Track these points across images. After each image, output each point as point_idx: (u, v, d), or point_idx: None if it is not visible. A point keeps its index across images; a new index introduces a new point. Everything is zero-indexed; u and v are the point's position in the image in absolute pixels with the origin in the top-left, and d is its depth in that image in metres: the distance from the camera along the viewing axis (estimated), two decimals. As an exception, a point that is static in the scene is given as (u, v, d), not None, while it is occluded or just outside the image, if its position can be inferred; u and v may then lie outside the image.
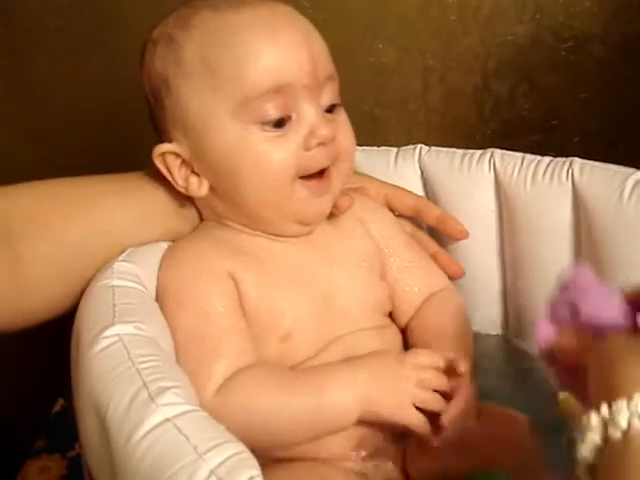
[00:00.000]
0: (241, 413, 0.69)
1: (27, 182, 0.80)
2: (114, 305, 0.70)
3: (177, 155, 0.78)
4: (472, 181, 0.96)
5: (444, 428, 0.72)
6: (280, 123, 0.75)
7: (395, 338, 0.84)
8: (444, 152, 0.99)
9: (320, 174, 0.78)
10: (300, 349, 0.77)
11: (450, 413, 0.72)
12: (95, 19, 1.31)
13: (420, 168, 1.00)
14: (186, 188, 0.79)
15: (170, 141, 0.79)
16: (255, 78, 0.74)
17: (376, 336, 0.80)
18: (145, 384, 0.60)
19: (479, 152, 0.97)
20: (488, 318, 1.01)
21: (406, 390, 0.72)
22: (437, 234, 0.98)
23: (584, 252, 0.91)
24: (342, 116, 0.80)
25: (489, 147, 0.98)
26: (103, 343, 0.65)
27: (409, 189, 0.97)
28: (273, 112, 0.74)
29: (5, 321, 0.75)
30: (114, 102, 1.31)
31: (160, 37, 0.79)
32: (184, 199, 0.82)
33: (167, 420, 0.56)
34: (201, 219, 0.84)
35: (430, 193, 1.00)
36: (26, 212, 0.77)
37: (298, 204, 0.78)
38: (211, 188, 0.79)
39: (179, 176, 0.79)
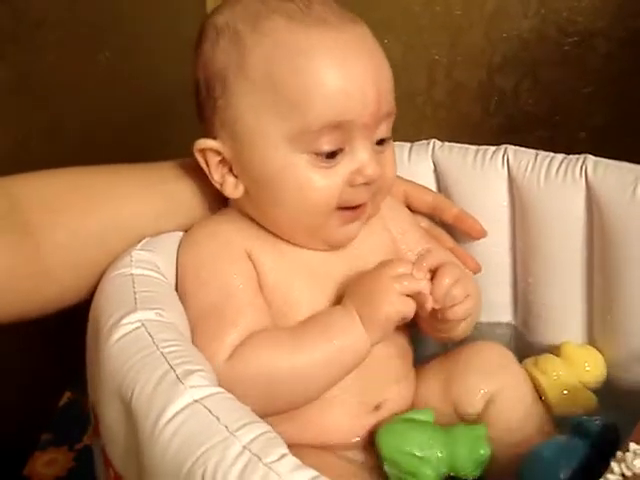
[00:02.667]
0: (256, 377, 0.70)
1: (46, 170, 0.80)
2: (135, 292, 0.71)
3: (218, 153, 0.78)
4: (485, 177, 0.96)
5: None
6: (332, 155, 0.74)
7: (407, 334, 0.85)
8: (457, 147, 0.98)
9: (356, 206, 0.78)
10: None
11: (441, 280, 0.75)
12: (100, 15, 1.31)
13: (433, 163, 0.99)
14: (221, 185, 0.79)
15: (214, 137, 0.78)
16: (319, 112, 0.72)
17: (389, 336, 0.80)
18: (172, 367, 0.60)
19: (493, 148, 0.96)
20: (497, 310, 1.01)
21: (388, 288, 0.73)
22: (452, 231, 0.97)
23: (596, 249, 0.91)
24: (389, 149, 0.79)
25: (494, 142, 0.98)
26: (125, 329, 0.66)
27: (422, 184, 0.97)
28: (328, 146, 0.73)
29: (21, 310, 0.75)
30: (121, 96, 1.31)
31: (226, 29, 0.76)
32: (206, 194, 0.82)
33: (196, 401, 0.57)
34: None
35: (443, 188, 0.99)
36: (45, 201, 0.77)
37: (329, 230, 0.78)
38: (246, 192, 0.79)
39: (216, 173, 0.78)
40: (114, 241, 0.79)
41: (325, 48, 0.73)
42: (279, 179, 0.75)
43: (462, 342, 0.86)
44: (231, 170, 0.78)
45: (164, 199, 0.82)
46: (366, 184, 0.76)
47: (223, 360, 0.71)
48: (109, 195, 0.80)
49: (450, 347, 0.89)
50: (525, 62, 1.29)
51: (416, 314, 0.77)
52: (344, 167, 0.75)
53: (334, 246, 0.80)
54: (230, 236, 0.79)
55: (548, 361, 0.88)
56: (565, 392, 0.85)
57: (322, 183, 0.74)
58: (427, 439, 0.73)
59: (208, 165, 0.78)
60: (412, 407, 0.82)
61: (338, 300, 0.78)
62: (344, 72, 0.73)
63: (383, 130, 0.77)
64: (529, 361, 0.89)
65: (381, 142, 0.77)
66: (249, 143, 0.75)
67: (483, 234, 0.96)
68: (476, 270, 0.95)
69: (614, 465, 0.62)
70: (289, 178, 0.74)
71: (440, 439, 0.74)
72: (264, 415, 0.60)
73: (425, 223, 0.95)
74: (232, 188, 0.78)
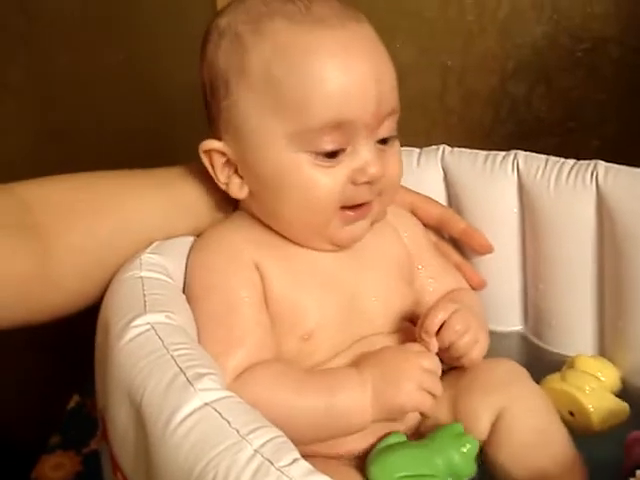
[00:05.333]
0: (253, 407, 0.69)
1: (55, 175, 0.80)
2: (144, 295, 0.71)
3: (223, 154, 0.78)
4: (495, 182, 0.96)
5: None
6: (333, 155, 0.74)
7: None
8: (467, 153, 0.98)
9: (361, 204, 0.78)
10: (320, 350, 0.78)
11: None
12: (112, 17, 1.32)
13: (443, 169, 0.99)
14: (227, 186, 0.79)
15: (219, 138, 0.78)
16: (318, 111, 0.73)
17: (398, 341, 0.81)
18: (181, 370, 0.60)
19: (502, 153, 0.96)
20: (507, 318, 1.01)
21: (413, 376, 0.73)
22: (459, 244, 0.98)
23: (607, 256, 0.91)
24: (394, 147, 0.79)
25: (506, 149, 0.97)
26: (135, 331, 0.66)
27: (431, 189, 0.97)
28: (329, 145, 0.74)
29: (31, 314, 0.75)
30: (133, 98, 1.31)
31: (227, 31, 0.77)
32: (215, 197, 0.82)
33: (207, 404, 0.57)
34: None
35: (453, 194, 0.99)
36: (55, 206, 0.77)
37: (333, 230, 0.78)
38: (251, 193, 0.79)
39: (221, 174, 0.79)
40: (124, 244, 0.79)
41: (324, 48, 0.73)
42: (282, 178, 0.75)
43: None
44: (237, 171, 0.79)
45: (172, 202, 0.82)
46: (368, 183, 0.76)
47: (228, 381, 0.70)
48: (118, 199, 0.80)
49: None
50: (538, 68, 1.29)
51: None
52: (346, 166, 0.75)
53: (340, 245, 0.80)
54: (239, 244, 0.79)
55: (576, 376, 0.86)
56: (601, 405, 0.83)
57: (324, 181, 0.75)
58: (415, 456, 0.72)
59: (214, 166, 0.79)
60: (421, 420, 0.80)
61: (349, 304, 0.79)
62: (343, 71, 0.73)
63: (386, 129, 0.77)
64: (554, 378, 0.87)
65: (384, 141, 0.77)
66: (252, 143, 0.76)
67: (490, 250, 0.96)
68: (481, 287, 0.95)
69: None
70: (292, 177, 0.75)
71: (426, 452, 0.73)
72: None
73: (433, 237, 0.95)
74: (237, 189, 0.79)
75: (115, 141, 1.32)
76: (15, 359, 1.35)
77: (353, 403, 0.72)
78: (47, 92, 1.36)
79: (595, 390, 0.85)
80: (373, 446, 0.76)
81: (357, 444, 0.76)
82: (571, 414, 0.84)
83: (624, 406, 0.85)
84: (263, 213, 0.80)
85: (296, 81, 0.73)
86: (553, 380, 0.86)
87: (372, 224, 0.82)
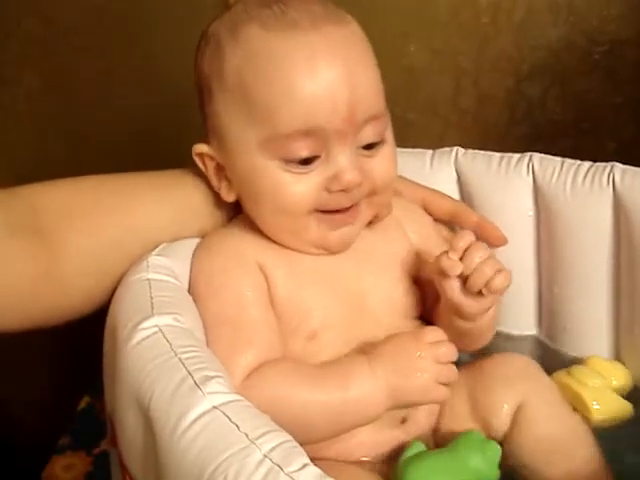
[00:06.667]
0: (266, 405, 0.66)
1: (63, 178, 0.80)
2: (151, 297, 0.71)
3: (212, 158, 0.79)
4: (510, 184, 0.95)
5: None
6: (306, 162, 0.74)
7: None
8: (481, 155, 0.98)
9: (345, 209, 0.77)
10: (326, 349, 0.77)
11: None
12: (127, 21, 1.32)
13: (456, 171, 0.99)
14: (219, 189, 0.81)
15: (208, 143, 0.79)
16: (286, 118, 0.72)
17: None
18: (189, 373, 0.60)
19: (517, 155, 0.95)
20: (522, 321, 1.01)
21: (427, 369, 0.72)
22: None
23: (624, 259, 0.90)
24: (384, 151, 0.77)
25: (520, 151, 0.97)
26: (142, 334, 0.65)
27: (445, 191, 0.96)
28: (299, 153, 0.73)
29: (39, 316, 0.75)
30: (146, 101, 1.31)
31: (211, 38, 0.78)
32: (219, 198, 0.82)
33: (215, 408, 0.57)
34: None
35: (466, 196, 0.99)
36: (61, 207, 0.77)
37: (314, 235, 0.78)
38: (238, 197, 0.80)
39: (214, 177, 0.80)
40: (130, 246, 0.79)
41: (291, 53, 0.72)
42: (256, 184, 0.76)
43: (485, 353, 0.86)
44: (226, 175, 0.79)
45: (177, 204, 0.82)
46: (344, 190, 0.75)
47: (238, 381, 0.70)
48: (125, 201, 0.80)
49: (472, 358, 0.87)
50: (553, 71, 1.28)
51: (442, 321, 0.79)
52: (320, 173, 0.74)
53: (331, 251, 0.79)
54: (242, 247, 0.79)
55: (582, 372, 0.87)
56: (603, 401, 0.85)
57: (295, 189, 0.74)
58: (446, 463, 0.72)
59: (207, 169, 0.80)
60: (438, 421, 0.80)
61: (353, 303, 0.79)
62: (309, 77, 0.72)
63: (369, 134, 0.75)
64: (561, 373, 0.88)
65: (370, 146, 0.76)
66: (230, 149, 0.77)
67: (504, 242, 0.94)
68: None
69: None
70: (263, 183, 0.75)
71: (452, 458, 0.72)
72: None
73: (445, 232, 0.94)
74: (226, 192, 0.80)
75: (126, 145, 1.32)
76: (25, 360, 1.35)
77: (366, 396, 0.71)
78: (62, 95, 1.37)
79: (597, 386, 0.86)
80: (385, 448, 0.76)
81: (370, 448, 0.76)
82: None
83: (626, 405, 0.86)
84: (252, 217, 0.80)
85: (264, 88, 0.73)
86: (559, 375, 0.88)
87: (374, 223, 0.82)
